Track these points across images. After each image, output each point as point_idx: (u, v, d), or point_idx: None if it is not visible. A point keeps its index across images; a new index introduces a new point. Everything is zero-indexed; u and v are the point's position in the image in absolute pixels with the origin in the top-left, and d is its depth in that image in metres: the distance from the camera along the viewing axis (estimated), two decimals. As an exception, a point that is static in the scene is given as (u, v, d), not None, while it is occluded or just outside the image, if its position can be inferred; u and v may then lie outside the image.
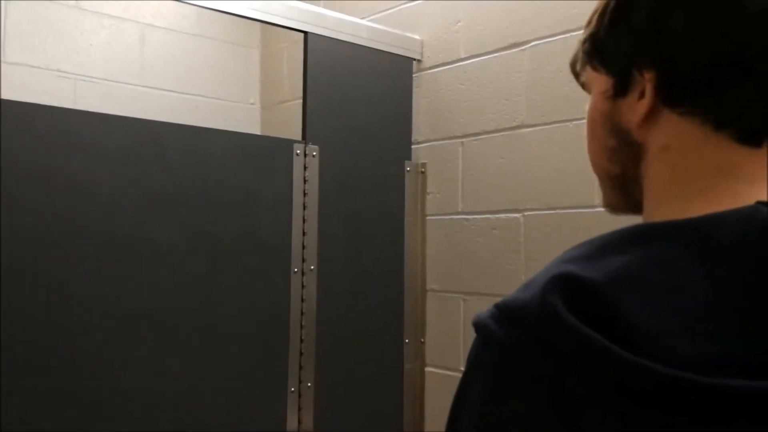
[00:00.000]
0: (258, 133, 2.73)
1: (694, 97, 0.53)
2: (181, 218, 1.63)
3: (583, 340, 0.43)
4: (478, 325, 0.49)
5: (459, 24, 2.04)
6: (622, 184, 0.60)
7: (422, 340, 2.07)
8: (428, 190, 2.10)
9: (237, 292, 1.70)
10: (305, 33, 1.87)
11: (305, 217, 1.83)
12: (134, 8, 2.46)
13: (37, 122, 1.44)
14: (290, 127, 2.36)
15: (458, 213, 2.02)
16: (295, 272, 1.80)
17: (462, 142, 2.02)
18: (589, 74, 0.62)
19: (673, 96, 0.54)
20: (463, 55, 2.02)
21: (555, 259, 0.50)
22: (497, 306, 0.48)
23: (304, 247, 1.82)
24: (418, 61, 2.14)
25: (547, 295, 0.45)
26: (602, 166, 0.62)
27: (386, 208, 2.03)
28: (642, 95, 0.55)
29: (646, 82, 0.55)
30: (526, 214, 1.84)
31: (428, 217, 2.10)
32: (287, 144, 1.82)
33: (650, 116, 0.55)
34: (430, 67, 2.12)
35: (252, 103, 2.84)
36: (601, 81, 0.59)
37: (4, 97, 1.43)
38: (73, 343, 1.46)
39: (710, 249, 0.46)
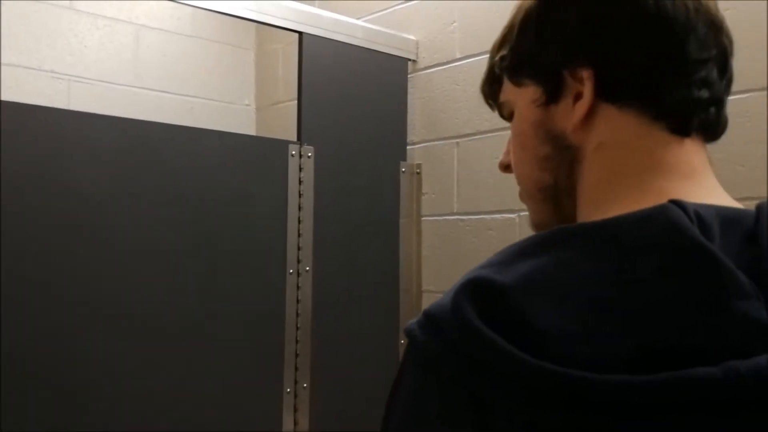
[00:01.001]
0: (253, 134, 2.73)
1: (634, 89, 0.54)
2: (176, 219, 1.62)
3: (487, 344, 0.44)
4: (406, 331, 0.50)
5: (454, 24, 2.04)
6: (553, 195, 0.61)
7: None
8: (423, 191, 2.10)
9: (232, 294, 1.70)
10: (300, 33, 1.86)
11: (300, 218, 1.82)
12: (128, 9, 2.46)
13: (30, 123, 1.44)
14: (285, 128, 2.36)
15: (453, 213, 2.01)
16: (291, 273, 1.80)
17: (457, 143, 2.02)
18: (509, 91, 0.62)
19: (612, 90, 0.55)
20: (458, 56, 2.02)
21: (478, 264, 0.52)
22: (424, 312, 0.49)
23: (299, 249, 1.82)
24: (414, 61, 2.14)
25: (458, 300, 0.47)
26: (533, 178, 0.62)
27: (381, 209, 2.02)
28: (577, 98, 0.56)
29: (585, 80, 0.55)
30: (521, 214, 1.84)
31: (423, 218, 2.10)
32: (282, 145, 1.81)
33: (588, 116, 0.56)
34: (426, 68, 2.12)
35: (247, 104, 2.83)
36: (527, 93, 0.60)
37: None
38: (69, 344, 1.45)
39: (615, 251, 0.46)
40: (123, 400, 1.52)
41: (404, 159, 2.09)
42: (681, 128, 0.54)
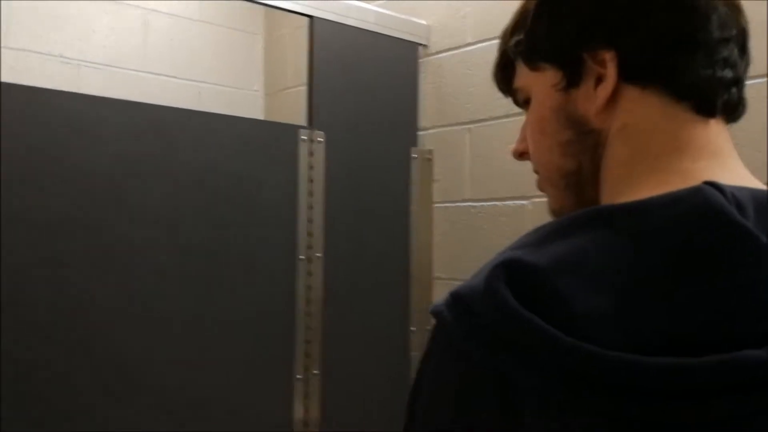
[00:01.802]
0: (261, 119, 2.71)
1: (658, 69, 0.53)
2: (185, 205, 1.61)
3: (524, 325, 0.44)
4: (434, 313, 0.50)
5: (466, 9, 2.01)
6: (576, 182, 0.60)
7: (428, 328, 2.06)
8: (435, 177, 2.08)
9: (243, 280, 1.69)
10: (310, 17, 1.84)
11: (311, 204, 1.81)
12: (137, -7, 2.44)
13: (39, 106, 1.43)
14: (294, 113, 2.34)
15: (465, 200, 2.00)
16: (301, 260, 1.79)
17: (469, 129, 2.00)
18: (526, 76, 0.61)
19: (636, 71, 0.54)
20: (470, 40, 2.00)
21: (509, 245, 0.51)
22: (451, 293, 0.49)
23: (310, 235, 1.81)
24: (425, 46, 2.11)
25: (492, 281, 0.46)
26: (555, 164, 0.61)
27: (392, 195, 2.01)
28: (599, 81, 0.55)
29: (607, 62, 0.54)
30: (534, 201, 1.82)
31: (435, 205, 2.08)
32: (292, 130, 1.80)
33: (611, 99, 0.55)
34: (437, 53, 2.09)
35: (255, 90, 2.82)
36: (546, 77, 0.58)
37: (8, 81, 1.41)
38: (74, 333, 1.45)
39: (651, 232, 0.46)
40: (131, 387, 1.52)
41: (415, 145, 2.08)
42: (706, 108, 0.53)
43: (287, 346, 1.76)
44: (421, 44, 2.11)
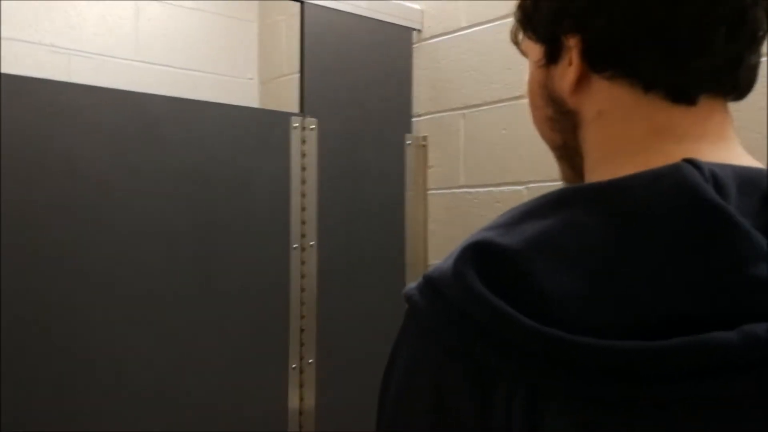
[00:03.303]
0: (256, 107, 2.69)
1: (618, 61, 0.52)
2: (177, 193, 1.60)
3: (490, 309, 0.43)
4: (406, 296, 0.49)
5: (459, -8, 1.99)
6: (566, 155, 0.60)
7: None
8: (429, 164, 2.07)
9: (236, 269, 1.68)
10: (302, 3, 1.82)
11: (304, 192, 1.80)
12: (128, -19, 2.41)
13: (30, 95, 1.41)
14: (289, 101, 2.32)
15: (460, 186, 1.98)
16: (295, 248, 1.78)
17: (463, 114, 1.98)
18: (526, 43, 0.61)
19: (598, 61, 0.53)
20: (464, 24, 1.97)
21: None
22: (424, 276, 0.48)
23: (303, 223, 1.79)
24: (418, 31, 2.09)
25: (460, 264, 0.45)
26: (546, 136, 0.61)
27: (387, 182, 1.99)
28: (570, 63, 0.54)
29: (572, 48, 0.53)
30: (529, 186, 1.80)
31: (430, 191, 2.06)
32: (284, 117, 1.78)
33: (581, 83, 0.54)
34: (431, 37, 2.07)
35: (250, 78, 2.80)
36: (534, 50, 0.58)
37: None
38: (69, 324, 1.44)
39: (624, 211, 0.45)
40: (128, 378, 1.51)
41: (409, 131, 2.06)
42: (680, 96, 0.51)
43: (282, 336, 1.75)
44: (414, 29, 2.08)
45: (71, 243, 1.45)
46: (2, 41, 2.14)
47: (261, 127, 1.74)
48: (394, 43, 2.04)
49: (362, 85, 1.95)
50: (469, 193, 1.96)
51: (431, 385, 0.46)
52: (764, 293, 0.40)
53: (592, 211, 0.45)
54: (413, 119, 2.08)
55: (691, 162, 0.45)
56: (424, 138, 2.07)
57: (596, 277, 0.43)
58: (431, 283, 0.47)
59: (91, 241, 1.48)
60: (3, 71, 1.41)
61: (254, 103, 2.78)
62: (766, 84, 1.36)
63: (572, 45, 0.53)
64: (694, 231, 0.42)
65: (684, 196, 0.43)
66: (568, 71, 0.54)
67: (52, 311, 1.42)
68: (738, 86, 0.53)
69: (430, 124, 2.06)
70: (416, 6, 2.09)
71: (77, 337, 1.45)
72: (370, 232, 1.94)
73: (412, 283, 0.49)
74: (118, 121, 1.52)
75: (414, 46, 2.09)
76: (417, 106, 2.09)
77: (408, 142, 2.04)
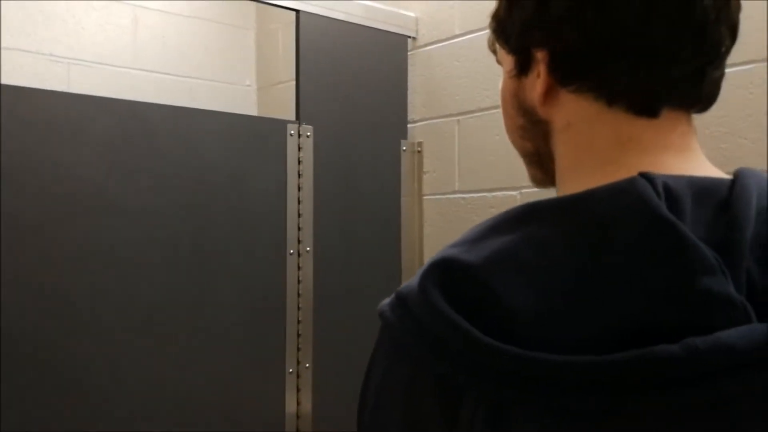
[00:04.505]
0: (254, 114, 2.71)
1: (582, 75, 0.53)
2: (175, 201, 1.61)
3: (451, 325, 0.44)
4: (379, 312, 0.50)
5: (453, 0, 2.01)
6: (539, 161, 0.61)
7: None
8: (425, 169, 2.09)
9: (233, 275, 1.70)
10: (297, 11, 1.84)
11: (300, 198, 1.82)
12: (126, -10, 2.44)
13: (29, 106, 1.43)
14: (287, 108, 2.34)
15: (455, 192, 2.00)
16: (291, 254, 1.80)
17: (458, 120, 2.00)
18: (500, 53, 0.62)
19: (564, 75, 0.54)
20: (458, 32, 1.99)
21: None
22: (395, 292, 0.50)
23: (299, 229, 1.81)
24: (413, 38, 2.11)
25: (424, 281, 0.47)
26: (517, 144, 0.63)
27: (382, 188, 2.01)
28: (538, 76, 0.56)
29: (540, 61, 0.55)
30: (523, 191, 1.82)
31: (425, 197, 2.08)
32: (281, 124, 1.80)
33: (549, 94, 0.56)
34: (425, 45, 2.09)
35: (248, 85, 2.82)
36: (507, 60, 0.59)
37: (-9, 80, 1.42)
38: (68, 331, 1.46)
39: (582, 227, 0.46)
40: (126, 385, 1.52)
41: (405, 137, 2.08)
42: (643, 109, 0.53)
43: (279, 340, 1.77)
44: (409, 36, 2.10)
45: (70, 251, 1.47)
46: (2, 51, 2.16)
47: (257, 135, 1.76)
48: (390, 51, 2.06)
49: (358, 92, 1.97)
50: (464, 198, 1.98)
51: (403, 400, 0.48)
52: (710, 306, 0.41)
53: (553, 226, 0.47)
54: (408, 125, 2.10)
55: (645, 176, 0.46)
56: (419, 144, 2.09)
57: (554, 292, 0.44)
58: (401, 300, 0.48)
59: (90, 249, 1.49)
60: (2, 81, 1.43)
61: (252, 109, 2.80)
62: (766, 90, 1.39)
63: (540, 58, 0.55)
64: (645, 246, 0.43)
65: (636, 212, 0.44)
66: (537, 83, 0.56)
67: (51, 317, 1.44)
68: (701, 99, 0.54)
69: (425, 130, 2.09)
70: (411, 14, 2.11)
71: (75, 344, 1.47)
72: (366, 237, 1.96)
73: (386, 299, 0.51)
74: (115, 129, 1.54)
75: (409, 53, 2.11)
76: (412, 113, 2.11)
77: (403, 148, 2.06)
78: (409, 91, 2.11)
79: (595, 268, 0.44)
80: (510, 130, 0.62)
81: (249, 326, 1.72)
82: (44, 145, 1.45)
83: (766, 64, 1.39)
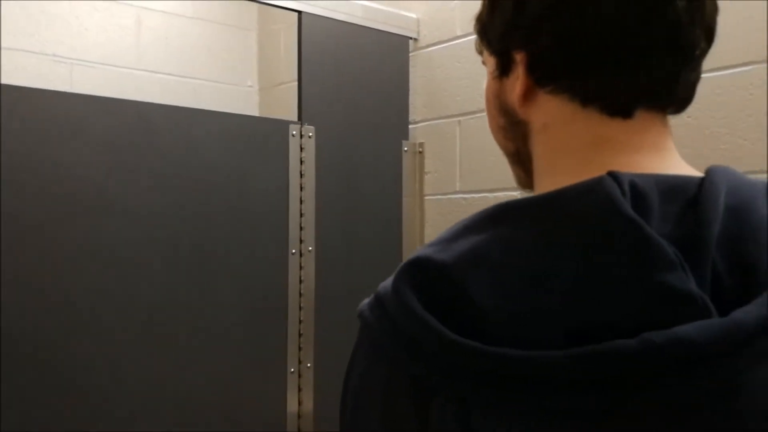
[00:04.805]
0: (256, 115, 2.72)
1: (558, 77, 0.54)
2: (177, 201, 1.62)
3: (421, 324, 0.45)
4: (358, 313, 0.51)
5: (455, 1, 2.02)
6: (519, 161, 0.62)
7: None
8: (426, 170, 2.09)
9: (235, 274, 1.70)
10: (299, 12, 1.85)
11: (302, 198, 1.82)
12: (129, -9, 2.45)
13: (32, 106, 1.44)
14: (289, 108, 2.35)
15: (456, 192, 2.01)
16: (293, 253, 1.80)
17: (459, 121, 2.00)
18: (485, 54, 0.63)
19: (541, 76, 0.55)
20: (459, 33, 2.00)
21: None
22: (375, 293, 0.51)
23: (301, 228, 1.82)
24: (415, 39, 2.12)
25: (398, 281, 0.48)
26: (500, 144, 0.64)
27: (384, 189, 2.02)
28: (518, 76, 0.57)
29: (518, 63, 0.56)
30: (524, 192, 1.82)
31: (426, 197, 2.09)
32: (283, 125, 1.81)
33: (528, 96, 0.56)
34: (427, 46, 2.10)
35: (250, 86, 2.83)
36: (490, 61, 0.60)
37: (1, 81, 1.43)
38: (70, 331, 1.46)
39: (550, 225, 0.46)
40: (127, 385, 1.53)
41: (406, 138, 2.08)
42: (616, 111, 0.53)
43: (280, 340, 1.78)
44: (411, 38, 2.11)
45: (71, 251, 1.48)
46: (6, 51, 2.17)
47: (260, 135, 1.76)
48: (391, 52, 2.07)
49: (359, 93, 1.98)
50: (465, 198, 1.98)
51: (381, 400, 0.49)
52: (670, 301, 0.42)
53: (523, 225, 0.47)
54: (410, 126, 2.11)
55: (612, 175, 0.47)
56: (421, 145, 2.10)
57: (522, 290, 0.44)
58: (379, 300, 0.49)
59: (91, 249, 1.50)
60: (6, 81, 1.44)
61: (254, 109, 2.81)
62: (766, 91, 1.39)
63: (519, 60, 0.55)
64: (607, 243, 0.44)
65: (601, 210, 0.45)
66: (516, 84, 0.57)
67: (51, 317, 1.44)
68: (675, 100, 0.55)
69: (427, 131, 2.09)
70: (412, 15, 2.12)
71: (75, 344, 1.47)
72: (368, 237, 1.97)
73: (366, 300, 0.51)
74: (118, 130, 1.55)
75: (410, 54, 2.12)
76: (414, 114, 2.12)
77: (405, 149, 2.07)
78: (411, 92, 2.11)
79: (561, 266, 0.44)
80: (493, 131, 0.64)
81: (250, 326, 1.73)
82: (47, 145, 1.45)
83: (766, 65, 1.40)
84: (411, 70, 2.11)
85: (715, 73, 1.43)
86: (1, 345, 1.37)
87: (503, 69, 0.58)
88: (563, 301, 0.43)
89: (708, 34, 0.54)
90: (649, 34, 0.51)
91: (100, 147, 1.52)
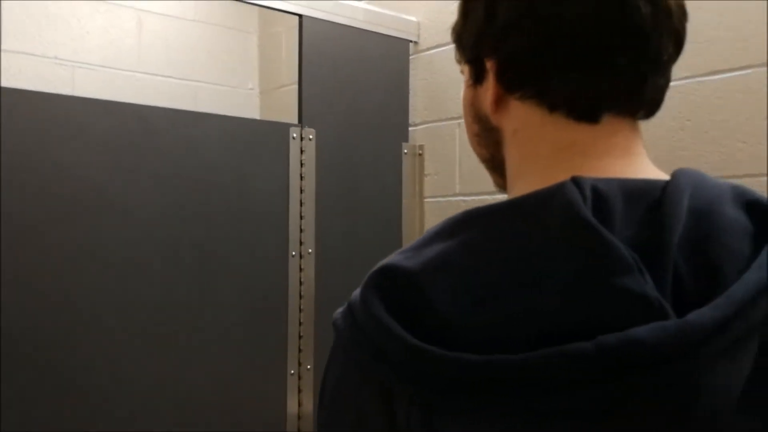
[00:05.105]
0: (257, 117, 2.73)
1: (525, 83, 0.55)
2: (178, 203, 1.63)
3: (386, 331, 0.46)
4: (332, 321, 0.52)
5: (455, 5, 2.02)
6: (495, 167, 0.63)
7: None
8: (426, 172, 2.10)
9: (235, 277, 1.71)
10: (300, 16, 1.86)
11: (302, 201, 1.83)
12: (130, -6, 2.46)
13: (33, 109, 1.44)
14: (290, 111, 2.35)
15: (456, 194, 2.01)
16: (293, 256, 1.81)
17: (459, 123, 2.01)
18: (462, 63, 0.64)
19: (510, 83, 0.56)
20: (459, 36, 2.01)
21: None
22: (348, 301, 0.52)
23: (301, 231, 1.83)
24: (415, 42, 2.13)
25: (365, 289, 0.49)
26: (476, 150, 0.65)
27: (384, 191, 2.03)
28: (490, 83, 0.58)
29: (489, 70, 0.57)
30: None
31: (426, 199, 2.10)
32: (283, 127, 1.82)
33: (500, 103, 0.57)
34: (427, 49, 2.11)
35: (251, 89, 2.83)
36: (465, 70, 0.61)
37: (2, 85, 1.43)
38: (70, 333, 1.47)
39: (513, 231, 0.47)
40: (126, 387, 1.53)
41: (406, 140, 2.09)
42: (582, 116, 0.54)
43: (280, 342, 1.78)
44: (411, 41, 2.12)
45: (73, 253, 1.48)
46: (7, 54, 2.18)
47: (260, 138, 1.77)
48: (391, 55, 2.08)
49: (360, 96, 1.98)
50: (465, 200, 1.99)
51: (353, 406, 0.49)
52: (625, 304, 0.42)
53: (488, 231, 0.48)
54: (410, 128, 2.11)
55: (574, 180, 0.47)
56: (421, 147, 2.10)
57: (484, 295, 0.45)
58: (350, 308, 0.50)
59: (92, 251, 1.51)
60: (7, 84, 1.45)
61: (255, 112, 2.82)
62: (766, 94, 1.40)
63: (489, 67, 0.56)
64: (566, 247, 0.44)
65: (561, 214, 0.45)
66: (488, 91, 0.57)
67: (52, 318, 1.45)
68: (643, 106, 0.55)
69: (427, 133, 2.10)
70: (413, 18, 2.12)
71: (76, 344, 1.48)
72: (368, 239, 1.97)
73: (339, 308, 0.52)
74: (119, 132, 1.55)
75: (411, 57, 2.12)
76: (414, 116, 2.12)
77: (405, 151, 2.07)
78: (411, 95, 2.12)
79: (521, 270, 0.45)
80: (469, 138, 0.65)
81: (250, 327, 1.73)
82: (48, 148, 1.46)
83: (766, 68, 1.40)
84: (411, 72, 2.12)
85: (715, 77, 1.44)
86: (1, 345, 1.37)
87: (476, 77, 0.59)
88: (524, 305, 0.44)
89: (676, 41, 0.54)
90: (613, 41, 0.52)
91: (102, 150, 1.53)
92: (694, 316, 0.41)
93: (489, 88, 0.57)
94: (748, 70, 1.42)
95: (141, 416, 1.55)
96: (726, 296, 0.42)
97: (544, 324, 0.43)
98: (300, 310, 1.81)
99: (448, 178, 2.04)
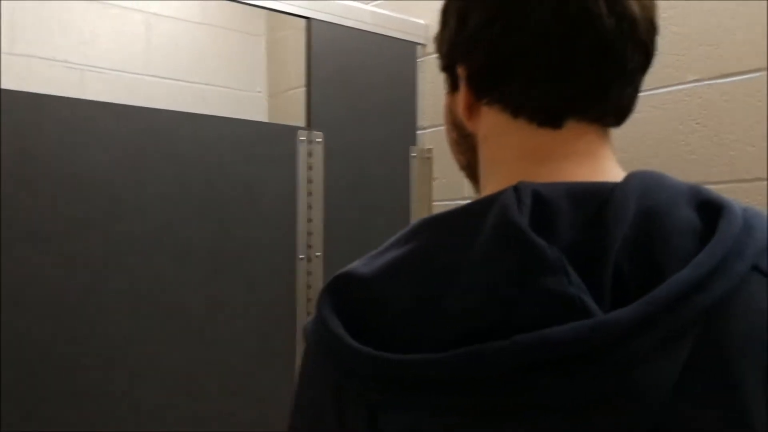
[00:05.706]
0: (265, 120, 2.74)
1: (491, 89, 0.56)
2: (186, 206, 1.63)
3: (335, 336, 0.49)
4: (303, 329, 0.55)
5: (463, 7, 2.02)
6: (471, 174, 0.64)
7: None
8: (434, 176, 2.10)
9: (243, 280, 1.71)
10: (308, 19, 1.86)
11: (310, 204, 1.83)
12: (139, -3, 2.47)
13: (39, 112, 1.45)
14: (297, 114, 2.36)
15: (464, 198, 2.01)
16: (301, 259, 1.81)
17: (467, 127, 2.01)
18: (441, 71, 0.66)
19: (478, 89, 0.57)
20: (467, 39, 2.00)
21: None
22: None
23: (309, 234, 1.83)
24: (423, 45, 2.13)
25: (321, 297, 0.52)
26: (455, 157, 0.66)
27: (392, 194, 2.03)
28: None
29: (461, 77, 0.58)
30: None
31: (434, 203, 2.09)
32: (291, 131, 1.82)
33: (472, 109, 0.58)
34: (435, 52, 2.10)
35: (259, 91, 2.84)
36: (445, 78, 0.62)
37: (12, 88, 1.44)
38: (79, 334, 1.47)
39: (458, 236, 0.49)
40: (134, 390, 1.54)
41: (414, 144, 2.09)
42: (544, 121, 0.55)
43: (288, 345, 1.78)
44: (419, 44, 2.12)
45: (82, 256, 1.49)
46: (17, 57, 2.19)
47: (268, 141, 1.77)
48: (400, 58, 2.08)
49: (368, 99, 1.98)
50: (473, 204, 1.98)
51: (314, 410, 0.52)
52: (549, 303, 0.43)
53: (434, 238, 0.51)
54: (418, 132, 2.11)
55: (516, 185, 0.49)
56: (429, 150, 2.10)
57: (427, 299, 0.47)
58: (315, 315, 0.53)
59: (101, 254, 1.51)
60: (18, 87, 1.45)
61: (262, 115, 2.82)
62: (765, 99, 1.39)
63: (461, 74, 0.57)
64: (500, 251, 0.46)
65: (496, 219, 0.47)
66: (461, 98, 0.59)
67: (59, 322, 1.45)
68: (608, 113, 0.56)
69: (435, 136, 2.10)
70: (421, 21, 2.12)
71: (86, 346, 1.48)
72: (376, 243, 1.95)
73: (310, 317, 0.55)
74: (128, 135, 1.56)
75: (419, 60, 2.12)
76: (422, 119, 2.12)
77: (413, 155, 2.07)
78: (419, 98, 2.12)
79: (456, 273, 0.47)
80: (449, 145, 0.66)
81: (259, 331, 1.73)
82: (58, 151, 1.47)
83: (766, 72, 1.40)
84: (419, 75, 2.12)
85: (724, 80, 1.43)
86: (1, 345, 1.38)
87: (453, 84, 0.60)
88: (457, 307, 0.46)
89: (645, 51, 0.55)
90: (575, 48, 0.52)
91: (110, 153, 1.53)
92: (614, 314, 0.42)
93: (462, 95, 0.58)
94: (757, 74, 1.41)
95: (145, 416, 1.55)
96: (651, 294, 0.43)
97: (471, 324, 0.45)
98: (308, 314, 1.81)
99: (457, 181, 2.03)
